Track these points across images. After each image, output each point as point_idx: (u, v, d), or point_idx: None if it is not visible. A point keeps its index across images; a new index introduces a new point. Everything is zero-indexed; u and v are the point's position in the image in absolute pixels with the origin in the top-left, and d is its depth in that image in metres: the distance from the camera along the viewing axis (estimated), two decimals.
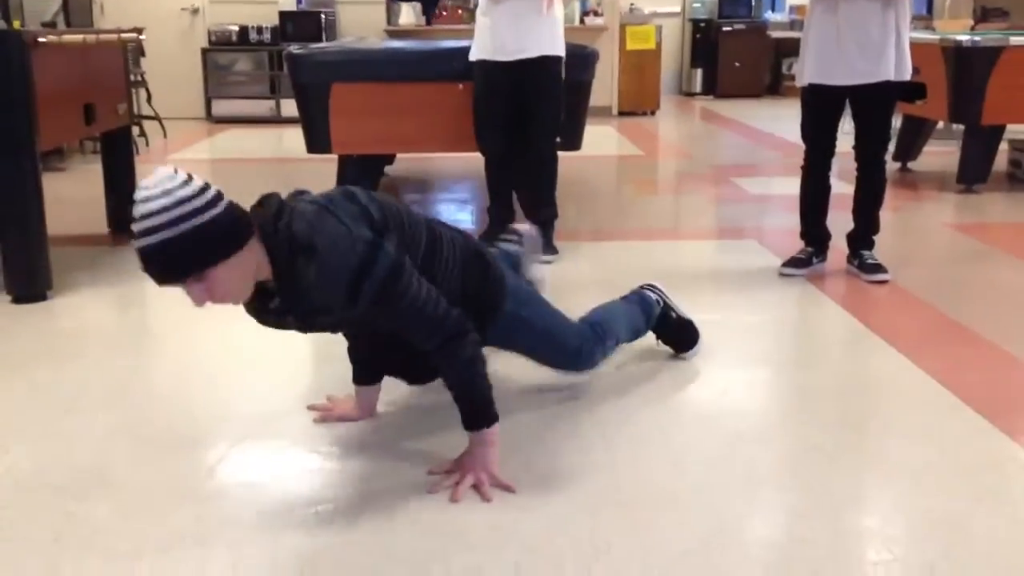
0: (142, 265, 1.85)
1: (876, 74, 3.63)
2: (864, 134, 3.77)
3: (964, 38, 5.53)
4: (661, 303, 2.87)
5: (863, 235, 3.91)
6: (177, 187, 1.82)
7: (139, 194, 1.82)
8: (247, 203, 2.04)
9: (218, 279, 1.88)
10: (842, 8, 3.61)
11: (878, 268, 3.83)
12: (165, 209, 1.79)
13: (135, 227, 1.82)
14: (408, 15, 9.76)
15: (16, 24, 6.58)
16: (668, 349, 2.95)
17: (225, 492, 2.15)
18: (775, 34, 11.85)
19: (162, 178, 1.83)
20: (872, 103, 3.71)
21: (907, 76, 3.69)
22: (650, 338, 2.91)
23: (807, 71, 3.76)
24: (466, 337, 2.10)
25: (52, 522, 2.00)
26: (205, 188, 1.87)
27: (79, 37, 4.15)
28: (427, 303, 2.05)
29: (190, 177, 1.85)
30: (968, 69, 5.39)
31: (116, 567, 1.82)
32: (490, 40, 4.12)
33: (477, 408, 2.14)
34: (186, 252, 1.82)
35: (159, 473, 2.22)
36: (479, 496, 2.09)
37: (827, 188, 3.91)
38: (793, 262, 3.93)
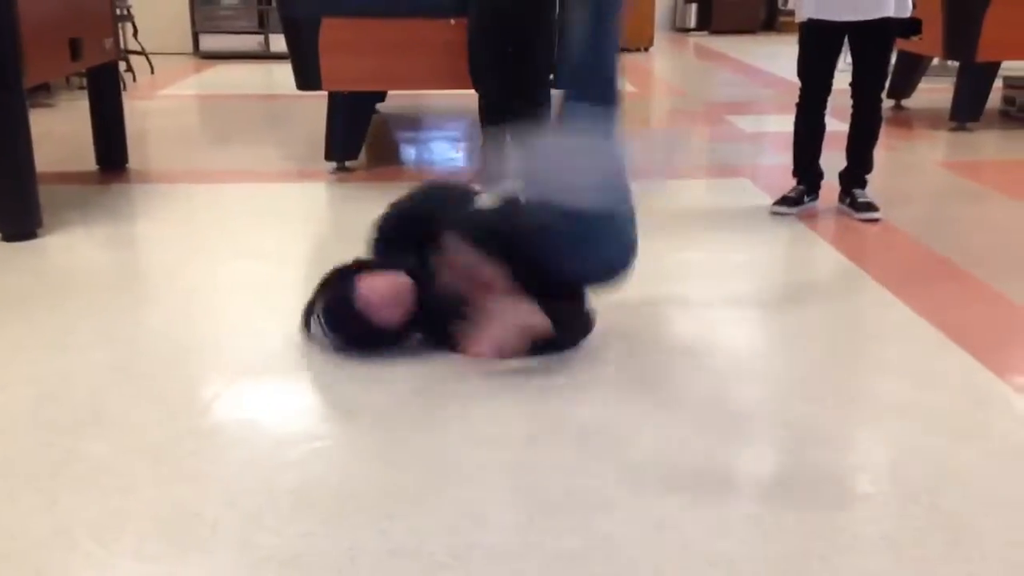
0: None
1: (877, 10, 3.60)
2: (862, 72, 3.74)
3: None
4: None
5: (856, 173, 3.90)
6: None
7: None
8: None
9: None
10: None
11: (869, 207, 3.83)
12: None
13: None
14: None
15: None
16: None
17: (220, 429, 2.17)
18: None
19: None
20: (872, 40, 3.68)
21: (908, 13, 3.66)
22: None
23: (807, 5, 3.72)
24: None
25: (49, 459, 2.02)
26: None
27: None
28: None
29: None
30: (963, 5, 5.33)
31: (112, 503, 1.85)
32: None
33: None
34: None
35: (154, 410, 2.24)
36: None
37: (822, 127, 3.89)
38: (784, 201, 3.93)
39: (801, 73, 3.86)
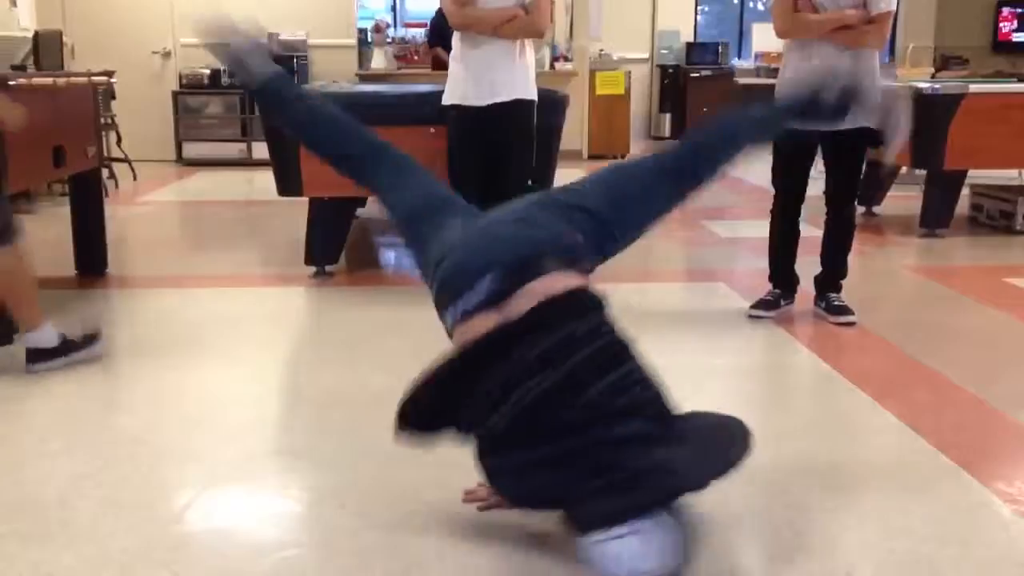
0: None
1: (850, 120, 3.69)
2: (835, 179, 3.83)
3: (925, 85, 5.64)
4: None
5: (831, 278, 3.96)
6: None
7: None
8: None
9: None
10: (815, 55, 3.69)
11: (845, 310, 3.87)
12: None
13: None
14: (379, 59, 9.83)
15: None
16: None
17: (192, 538, 2.12)
18: (742, 80, 12.04)
19: None
20: (843, 149, 3.77)
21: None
22: None
23: None
24: None
25: (15, 571, 1.96)
26: None
27: (49, 80, 4.14)
28: None
29: None
30: (929, 116, 5.49)
31: None
32: (463, 85, 4.16)
33: None
34: None
35: (125, 520, 2.19)
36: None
37: (796, 232, 3.96)
38: (761, 304, 3.97)
39: (775, 181, 3.94)
